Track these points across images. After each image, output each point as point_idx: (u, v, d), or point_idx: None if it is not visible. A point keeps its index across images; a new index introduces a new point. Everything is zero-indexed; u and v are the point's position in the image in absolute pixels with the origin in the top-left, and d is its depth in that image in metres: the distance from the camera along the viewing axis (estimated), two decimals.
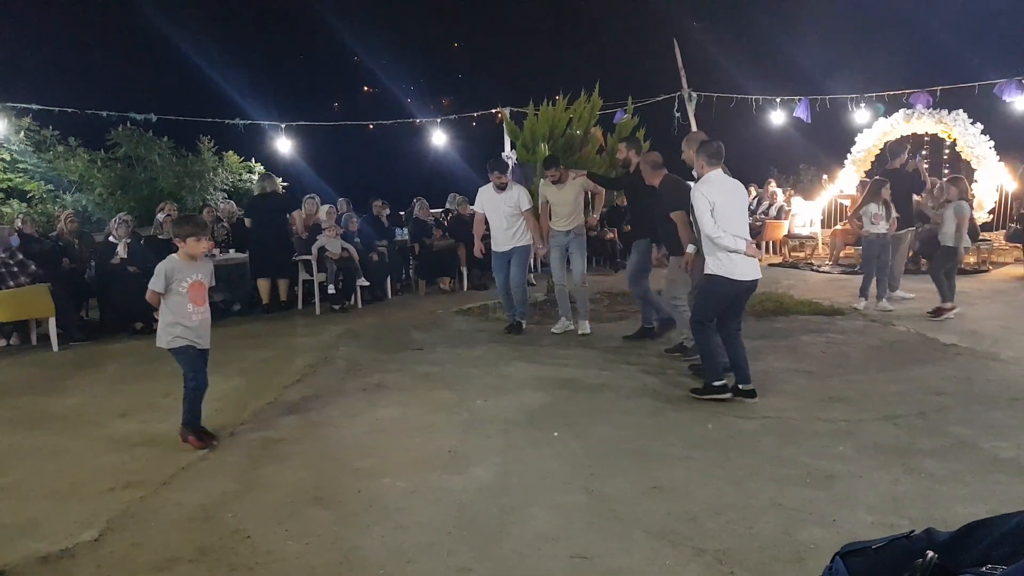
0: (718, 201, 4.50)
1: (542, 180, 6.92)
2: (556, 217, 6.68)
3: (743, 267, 4.50)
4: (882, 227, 7.24)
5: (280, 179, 13.83)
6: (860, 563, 1.16)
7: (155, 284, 4.01)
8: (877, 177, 7.45)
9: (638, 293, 6.38)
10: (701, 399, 4.64)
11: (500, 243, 6.86)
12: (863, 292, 7.48)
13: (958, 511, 2.97)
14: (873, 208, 7.23)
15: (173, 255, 4.15)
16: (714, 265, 4.53)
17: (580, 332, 6.76)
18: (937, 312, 6.91)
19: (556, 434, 4.14)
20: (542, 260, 7.68)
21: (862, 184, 11.54)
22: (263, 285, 8.63)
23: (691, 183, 5.15)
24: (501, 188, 6.68)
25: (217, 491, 3.48)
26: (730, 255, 4.47)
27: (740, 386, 4.64)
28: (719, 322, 4.70)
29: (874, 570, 1.14)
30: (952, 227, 6.93)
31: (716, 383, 4.63)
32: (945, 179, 8.03)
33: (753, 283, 4.62)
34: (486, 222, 7.07)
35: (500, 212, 6.73)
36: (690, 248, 5.21)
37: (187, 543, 2.97)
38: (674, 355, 5.80)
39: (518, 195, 6.71)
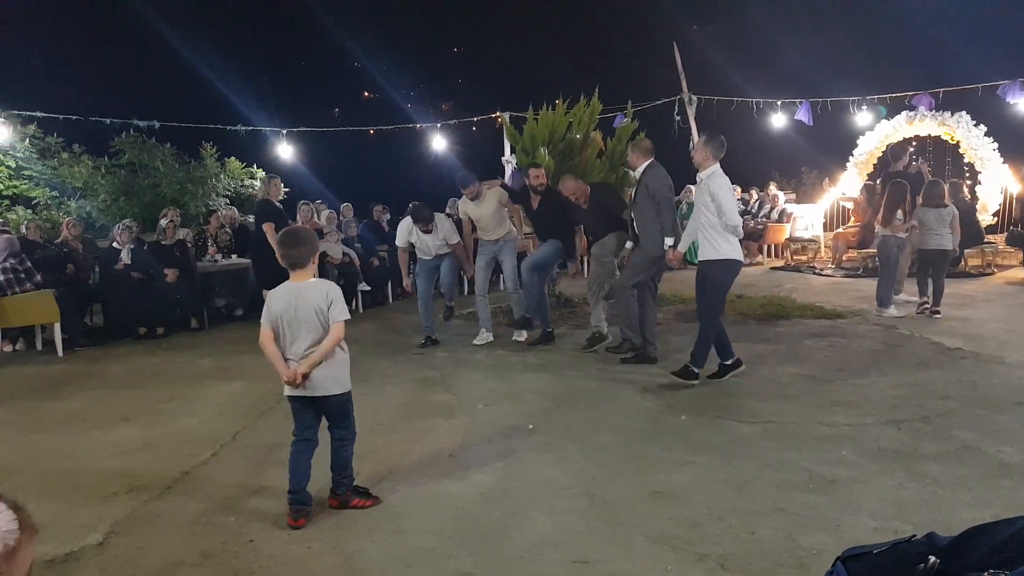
0: (732, 193, 5.02)
1: (461, 199, 6.94)
2: (482, 231, 6.78)
3: (739, 250, 5.06)
4: (901, 231, 7.25)
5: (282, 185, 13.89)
6: (861, 568, 1.16)
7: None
8: (898, 180, 7.40)
9: (529, 281, 6.45)
10: (682, 380, 5.03)
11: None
12: (887, 301, 7.28)
13: (962, 516, 2.96)
14: (899, 212, 7.23)
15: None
16: (729, 250, 4.93)
17: (514, 338, 6.72)
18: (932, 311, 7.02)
19: (531, 427, 4.24)
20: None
21: (865, 187, 11.55)
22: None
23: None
24: (427, 232, 6.59)
25: (220, 495, 3.48)
26: (735, 240, 4.97)
27: (727, 363, 5.17)
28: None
29: (875, 575, 1.14)
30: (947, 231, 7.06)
31: (697, 369, 5.05)
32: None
33: None
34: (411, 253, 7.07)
35: (430, 246, 6.70)
36: (669, 241, 5.46)
37: (190, 547, 2.97)
38: (591, 351, 6.17)
39: (444, 232, 6.64)
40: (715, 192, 4.87)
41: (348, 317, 3.18)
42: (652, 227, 5.55)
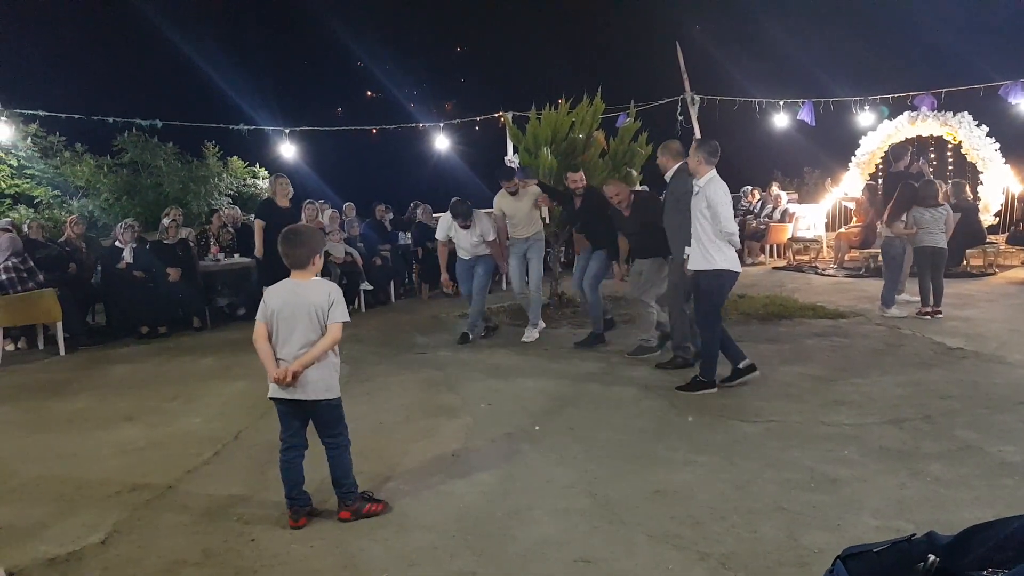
0: (730, 201, 4.84)
1: (499, 192, 6.94)
2: (512, 227, 6.82)
3: (737, 260, 4.94)
4: (903, 233, 7.26)
5: None
6: (861, 566, 1.16)
7: None
8: (909, 181, 7.38)
9: (593, 299, 6.42)
10: (693, 394, 4.85)
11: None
12: (890, 300, 7.25)
13: (964, 515, 2.96)
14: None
15: None
16: (723, 260, 4.80)
17: (523, 339, 6.71)
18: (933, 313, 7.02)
19: (537, 428, 4.21)
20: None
21: (867, 187, 11.53)
22: None
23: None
24: (465, 227, 6.70)
25: (222, 494, 3.49)
26: (732, 250, 4.86)
27: (740, 366, 5.02)
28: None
29: (875, 573, 1.14)
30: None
31: (706, 379, 4.92)
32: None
33: None
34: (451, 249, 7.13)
35: (467, 242, 6.79)
36: (688, 250, 5.13)
37: (193, 546, 2.98)
38: (638, 357, 5.92)
39: (482, 229, 6.72)
40: (711, 199, 4.72)
41: (348, 320, 3.10)
42: (680, 235, 5.19)
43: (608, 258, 6.41)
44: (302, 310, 3.01)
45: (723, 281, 4.86)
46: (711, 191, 4.74)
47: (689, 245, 4.99)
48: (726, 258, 4.80)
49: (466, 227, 6.69)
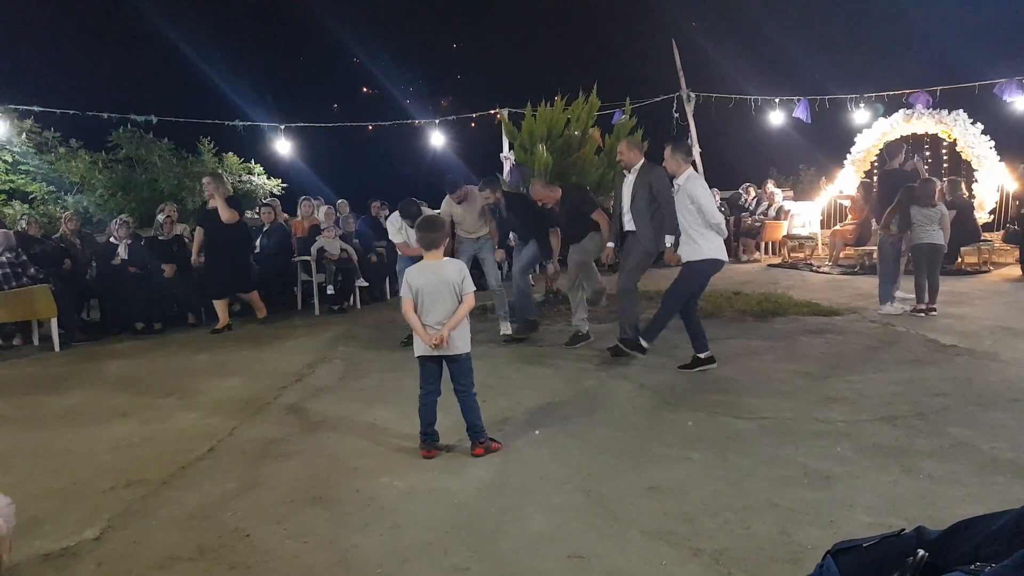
0: (710, 193, 5.31)
1: (445, 199, 7.02)
2: (463, 231, 6.97)
3: (724, 249, 5.36)
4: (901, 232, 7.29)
5: (280, 180, 13.89)
6: (851, 561, 1.17)
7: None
8: (910, 184, 7.39)
9: (523, 287, 6.88)
10: (628, 353, 5.42)
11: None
12: (886, 297, 7.29)
13: (956, 512, 2.97)
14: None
15: None
16: (709, 250, 5.22)
17: (501, 332, 6.86)
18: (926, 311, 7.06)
19: (537, 432, 4.19)
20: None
21: (862, 185, 11.57)
22: (222, 306, 7.67)
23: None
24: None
25: (217, 490, 3.49)
26: (718, 239, 5.26)
27: (700, 355, 5.35)
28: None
29: (865, 568, 1.15)
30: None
31: (645, 343, 5.44)
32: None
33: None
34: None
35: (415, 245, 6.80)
36: (669, 240, 5.43)
37: (187, 541, 2.98)
38: (574, 346, 6.24)
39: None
40: (693, 194, 5.16)
41: (475, 289, 3.79)
42: (652, 225, 5.57)
43: (539, 250, 6.79)
44: (443, 286, 3.69)
45: (705, 268, 5.29)
46: (691, 187, 5.20)
47: (669, 233, 5.42)
48: (712, 247, 5.23)
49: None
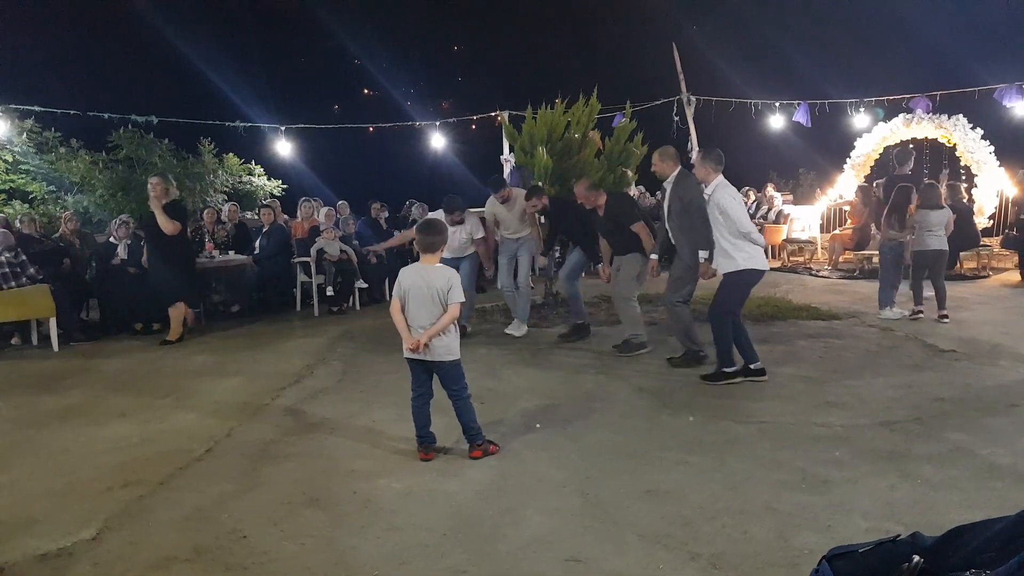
0: (741, 201, 5.07)
1: (489, 199, 7.06)
2: (504, 230, 7.00)
3: (763, 258, 5.14)
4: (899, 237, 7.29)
5: (280, 181, 13.89)
6: (847, 567, 1.17)
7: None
8: (902, 184, 7.42)
9: (571, 292, 6.77)
10: (716, 384, 5.03)
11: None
12: (886, 302, 7.29)
13: (953, 518, 2.97)
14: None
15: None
16: (744, 260, 4.99)
17: (513, 332, 6.87)
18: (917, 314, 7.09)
19: (538, 425, 4.26)
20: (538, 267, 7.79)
21: (861, 189, 11.57)
22: (176, 315, 7.17)
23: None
24: (458, 223, 6.72)
25: (214, 491, 3.49)
26: (756, 248, 5.05)
27: (752, 366, 5.12)
28: None
29: (860, 574, 1.15)
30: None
31: (728, 369, 5.08)
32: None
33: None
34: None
35: (456, 240, 6.76)
36: (703, 255, 5.29)
37: (184, 543, 2.98)
38: (625, 354, 6.04)
39: (471, 227, 6.85)
40: (721, 203, 4.96)
41: (463, 300, 3.76)
42: (690, 238, 5.39)
43: (585, 255, 6.70)
44: (428, 291, 3.67)
45: (745, 279, 5.05)
46: (719, 196, 5.00)
47: (700, 248, 5.27)
48: (748, 257, 4.99)
49: (459, 223, 6.71)
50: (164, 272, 7.05)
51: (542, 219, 7.13)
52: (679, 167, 5.57)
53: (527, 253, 7.01)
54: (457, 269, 6.76)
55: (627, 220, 6.00)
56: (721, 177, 5.10)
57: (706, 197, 5.13)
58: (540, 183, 7.39)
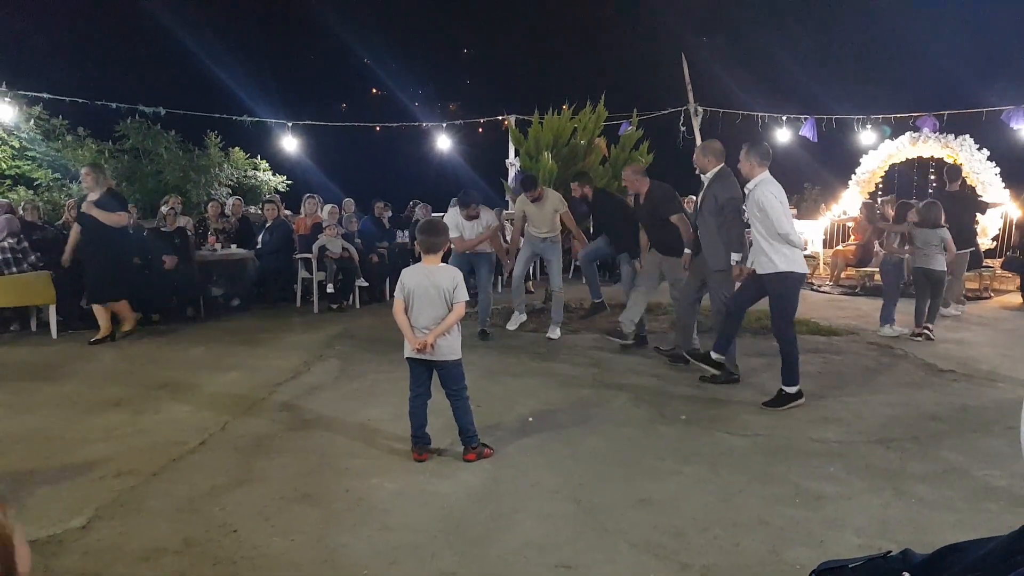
0: (783, 200, 4.78)
1: (520, 197, 7.13)
2: (532, 226, 7.07)
3: (802, 261, 4.87)
4: (902, 251, 7.30)
5: (285, 177, 13.91)
6: None
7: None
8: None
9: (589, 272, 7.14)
10: (781, 409, 4.76)
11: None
12: (887, 319, 7.30)
13: (946, 537, 2.94)
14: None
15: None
16: (783, 262, 4.72)
17: (548, 336, 6.99)
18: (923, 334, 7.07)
19: (531, 420, 4.32)
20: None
21: (865, 206, 11.56)
22: (100, 313, 6.78)
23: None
24: (473, 217, 6.83)
25: (206, 484, 3.48)
26: (794, 250, 4.75)
27: (714, 355, 5.19)
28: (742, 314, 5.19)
29: None
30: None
31: (791, 389, 4.83)
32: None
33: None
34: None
35: (472, 233, 6.93)
36: (736, 257, 5.15)
37: (174, 534, 2.97)
38: (608, 338, 6.37)
39: (487, 219, 6.97)
40: (761, 201, 4.71)
41: (468, 299, 3.76)
42: (715, 239, 5.24)
43: (607, 242, 6.86)
44: (433, 291, 3.67)
45: (789, 284, 4.78)
46: (760, 193, 4.74)
47: (734, 250, 5.14)
48: (786, 259, 4.72)
49: (475, 217, 6.81)
50: (94, 266, 6.72)
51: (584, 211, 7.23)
52: (721, 164, 5.30)
53: (555, 255, 7.06)
54: (475, 267, 6.93)
55: (668, 211, 5.97)
56: (767, 173, 4.82)
57: (747, 191, 4.88)
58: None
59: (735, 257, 5.13)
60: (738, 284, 5.28)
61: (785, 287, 4.79)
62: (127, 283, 6.99)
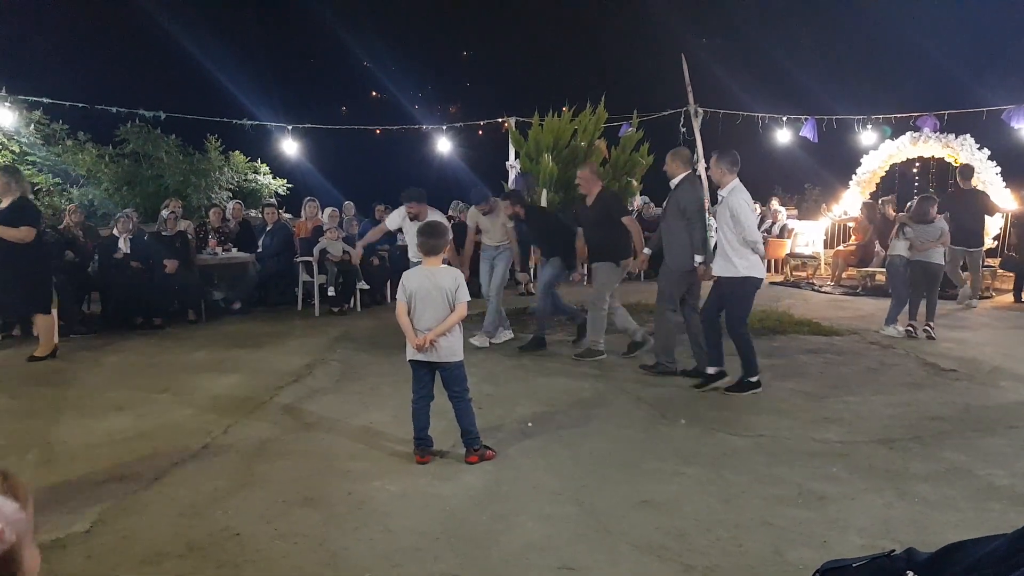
0: (753, 208, 5.04)
1: (472, 209, 7.23)
2: (488, 238, 7.11)
3: (761, 267, 5.12)
4: (904, 249, 7.30)
5: (285, 180, 13.92)
6: None
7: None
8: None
9: (545, 305, 6.73)
10: (741, 395, 5.04)
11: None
12: (891, 319, 7.31)
13: (949, 537, 2.92)
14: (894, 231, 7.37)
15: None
16: (745, 268, 4.96)
17: (472, 342, 6.50)
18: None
19: (530, 424, 4.34)
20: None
21: (866, 206, 11.56)
22: (46, 326, 6.22)
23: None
24: (415, 219, 6.54)
25: (209, 488, 3.48)
26: (755, 257, 5.00)
27: (710, 371, 5.27)
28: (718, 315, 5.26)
29: None
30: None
31: (752, 379, 5.07)
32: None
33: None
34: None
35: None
36: (699, 259, 5.31)
37: (177, 538, 2.97)
38: (584, 359, 6.11)
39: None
40: (735, 209, 4.91)
41: (469, 299, 3.77)
42: (680, 242, 5.42)
43: (562, 265, 6.72)
44: (436, 292, 3.69)
45: (747, 288, 5.03)
46: (735, 201, 4.94)
47: (696, 252, 5.29)
48: (749, 265, 4.96)
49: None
50: (12, 281, 5.95)
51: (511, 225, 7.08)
52: (688, 171, 5.57)
53: (504, 262, 7.03)
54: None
55: (619, 213, 6.14)
56: (737, 181, 5.04)
57: (720, 197, 5.08)
58: (544, 189, 7.43)
59: (698, 259, 5.31)
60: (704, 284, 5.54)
61: (744, 290, 5.04)
62: (41, 297, 6.15)
